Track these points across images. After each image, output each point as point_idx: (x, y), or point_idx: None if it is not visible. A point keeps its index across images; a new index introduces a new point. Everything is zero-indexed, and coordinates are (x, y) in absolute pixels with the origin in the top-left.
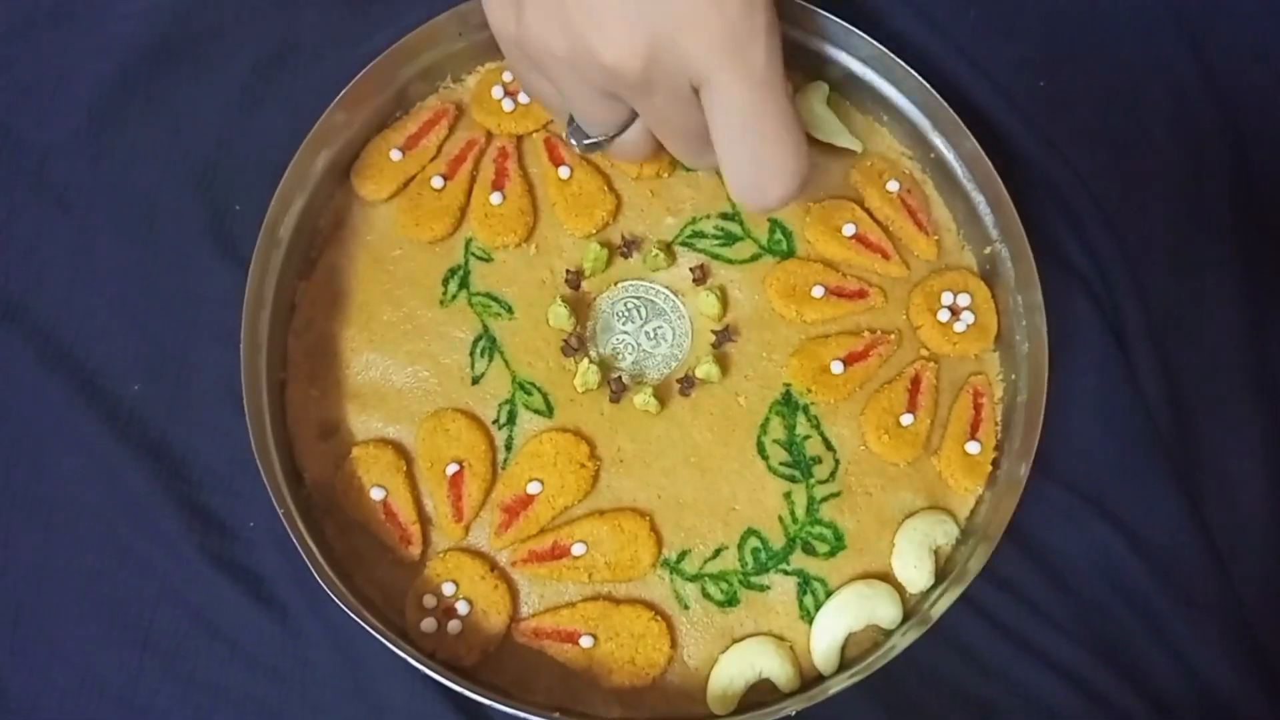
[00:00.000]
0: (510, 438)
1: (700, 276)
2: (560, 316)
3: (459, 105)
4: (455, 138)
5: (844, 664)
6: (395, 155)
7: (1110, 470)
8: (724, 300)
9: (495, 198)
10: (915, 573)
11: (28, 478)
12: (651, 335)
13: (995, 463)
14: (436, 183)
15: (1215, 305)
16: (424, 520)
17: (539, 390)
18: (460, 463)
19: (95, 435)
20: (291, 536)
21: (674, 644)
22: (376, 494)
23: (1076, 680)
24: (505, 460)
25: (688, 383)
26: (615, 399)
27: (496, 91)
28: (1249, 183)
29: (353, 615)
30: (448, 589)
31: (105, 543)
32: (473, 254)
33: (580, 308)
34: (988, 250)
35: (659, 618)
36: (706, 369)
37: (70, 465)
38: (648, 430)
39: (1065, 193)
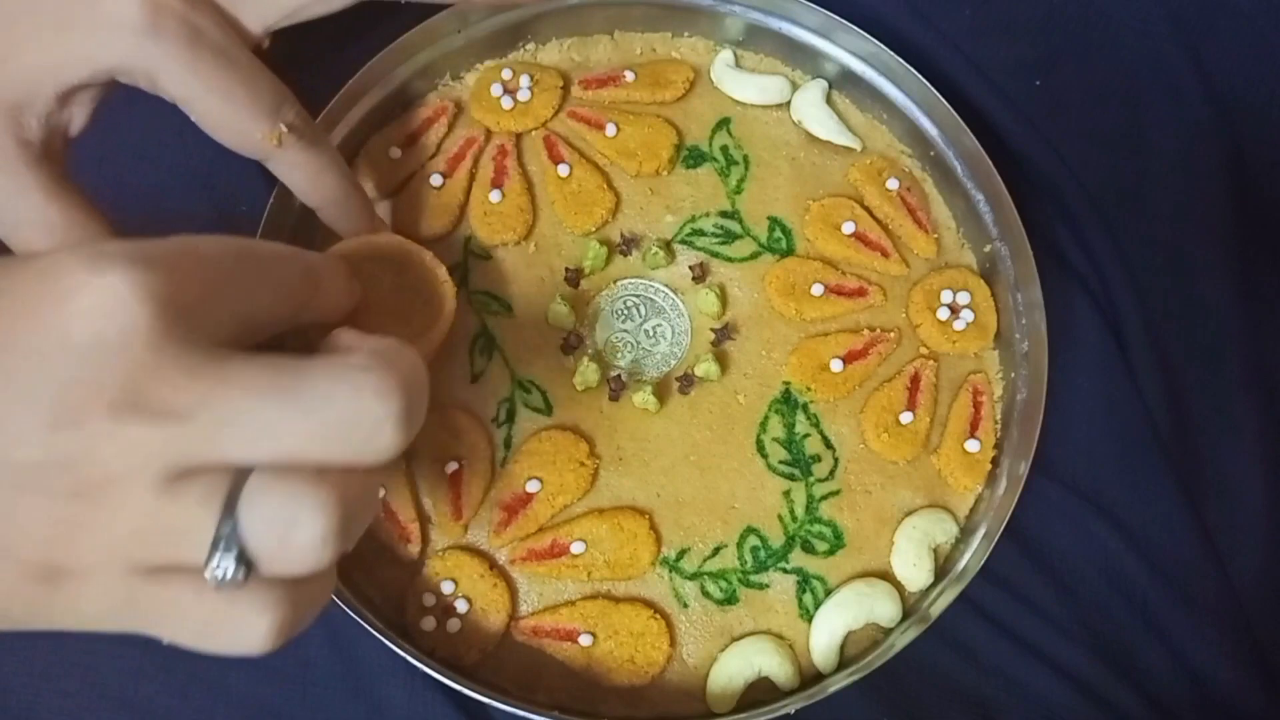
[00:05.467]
0: (509, 436)
1: (699, 274)
2: (559, 314)
3: (458, 103)
4: (454, 135)
5: (843, 662)
6: (394, 153)
7: (1110, 469)
8: (723, 298)
9: (494, 196)
10: (914, 571)
11: None
12: (651, 333)
13: (995, 461)
14: (435, 180)
15: (1214, 304)
16: (423, 518)
17: (538, 388)
18: (459, 461)
19: None
20: None
21: (673, 642)
22: None
23: (1075, 679)
24: (504, 458)
25: (687, 381)
26: (614, 397)
27: (495, 89)
28: (1246, 182)
29: (352, 614)
30: (447, 587)
31: None
32: (471, 252)
33: (579, 305)
34: (987, 248)
35: (658, 616)
36: (706, 367)
37: None
38: (647, 428)
39: (1063, 192)
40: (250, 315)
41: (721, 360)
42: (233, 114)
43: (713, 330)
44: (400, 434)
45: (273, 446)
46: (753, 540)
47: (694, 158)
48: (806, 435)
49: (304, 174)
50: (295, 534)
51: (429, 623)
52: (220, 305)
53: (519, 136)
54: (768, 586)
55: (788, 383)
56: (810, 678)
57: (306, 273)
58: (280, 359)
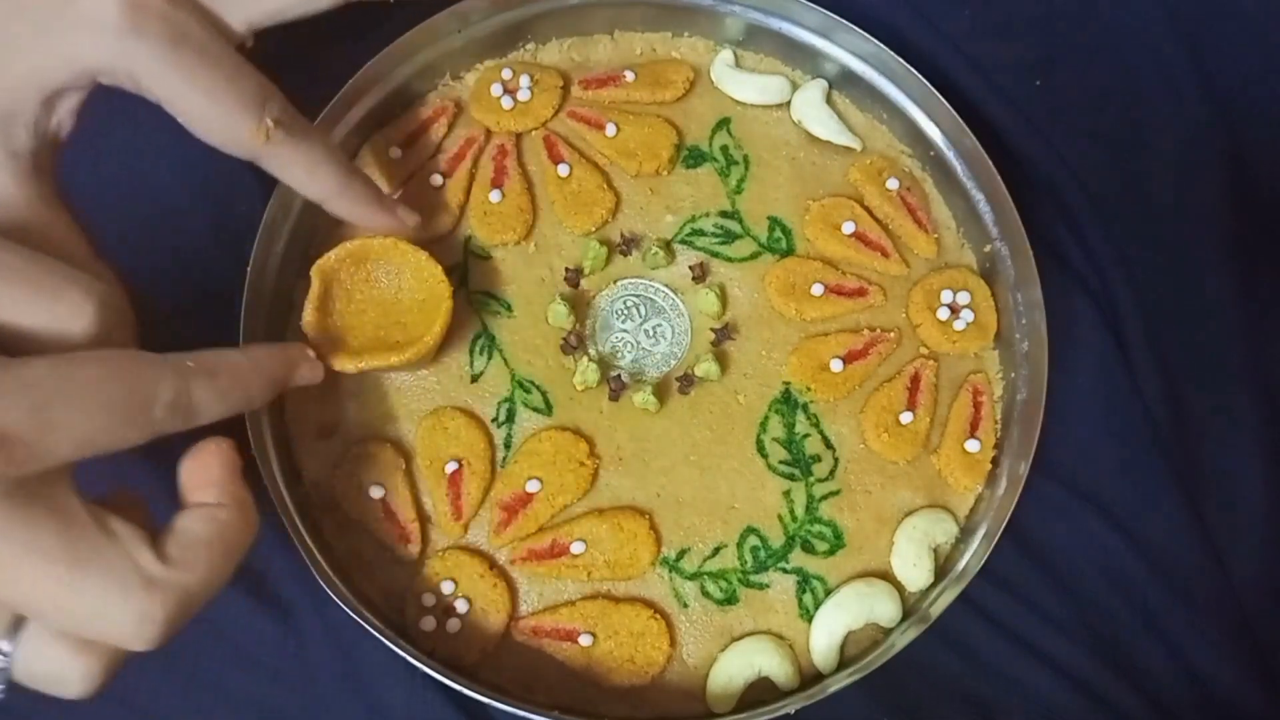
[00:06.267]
0: (509, 436)
1: (700, 274)
2: (559, 314)
3: (458, 103)
4: (454, 135)
5: (843, 662)
6: (394, 153)
7: (1109, 469)
8: (723, 298)
9: (494, 195)
10: (914, 571)
11: None
12: (651, 333)
13: (995, 461)
14: (435, 180)
15: (1213, 304)
16: (423, 519)
17: (538, 388)
18: (459, 461)
19: None
20: (290, 535)
21: (673, 642)
22: (375, 492)
23: (1075, 679)
24: (504, 458)
25: (687, 381)
26: (614, 397)
27: (495, 89)
28: (1246, 181)
29: (352, 614)
30: (447, 587)
31: None
32: (471, 252)
33: (579, 306)
34: (987, 248)
35: (658, 616)
36: (706, 367)
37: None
38: (647, 428)
39: (1063, 192)
40: (90, 442)
41: (721, 360)
42: (218, 112)
43: (713, 330)
44: (161, 640)
45: (42, 611)
46: (753, 540)
47: (694, 158)
48: (806, 435)
49: (298, 169)
50: (59, 688)
51: (429, 623)
52: (54, 439)
53: (519, 136)
54: (768, 586)
55: (788, 383)
56: (810, 678)
57: (171, 400)
58: (84, 528)
